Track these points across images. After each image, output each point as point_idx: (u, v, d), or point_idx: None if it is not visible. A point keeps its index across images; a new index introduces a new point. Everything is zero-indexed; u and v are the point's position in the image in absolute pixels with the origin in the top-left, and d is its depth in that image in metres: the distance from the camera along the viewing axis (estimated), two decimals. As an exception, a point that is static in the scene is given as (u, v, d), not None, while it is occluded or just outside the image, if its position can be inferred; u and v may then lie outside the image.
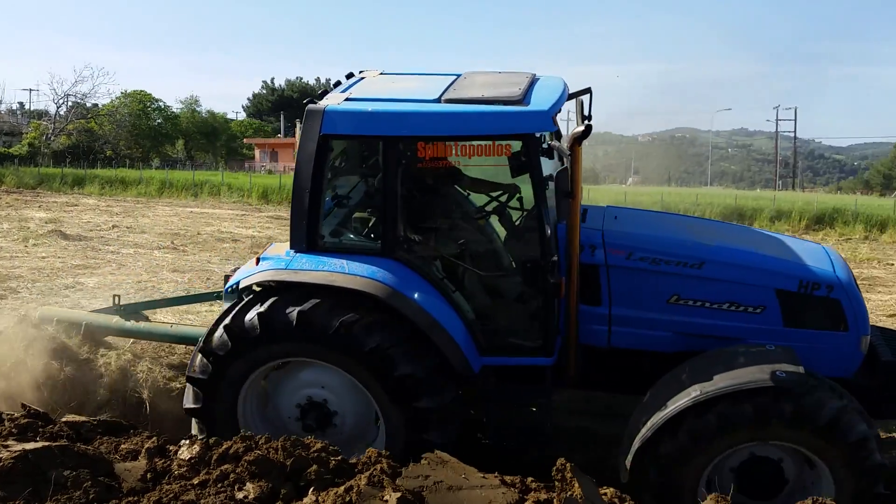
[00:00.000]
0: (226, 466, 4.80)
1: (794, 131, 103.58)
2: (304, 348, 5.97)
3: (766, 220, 32.69)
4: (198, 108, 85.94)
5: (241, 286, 6.28)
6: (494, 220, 6.94)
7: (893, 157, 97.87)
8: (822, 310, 6.11)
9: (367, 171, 6.64)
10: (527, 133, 5.81)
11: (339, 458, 4.91)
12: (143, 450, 5.21)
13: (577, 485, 4.44)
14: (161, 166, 65.92)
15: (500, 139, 5.97)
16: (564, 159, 5.85)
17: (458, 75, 6.75)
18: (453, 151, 6.20)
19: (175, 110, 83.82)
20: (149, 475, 4.91)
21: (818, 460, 5.40)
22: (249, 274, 6.24)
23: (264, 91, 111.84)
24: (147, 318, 8.56)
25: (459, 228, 6.66)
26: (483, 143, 6.04)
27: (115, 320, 8.19)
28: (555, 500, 4.42)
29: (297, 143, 6.13)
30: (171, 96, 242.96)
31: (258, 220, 30.69)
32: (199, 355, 6.09)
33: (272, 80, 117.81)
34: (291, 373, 6.26)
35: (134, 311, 8.47)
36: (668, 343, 6.29)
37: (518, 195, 6.70)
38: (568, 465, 4.50)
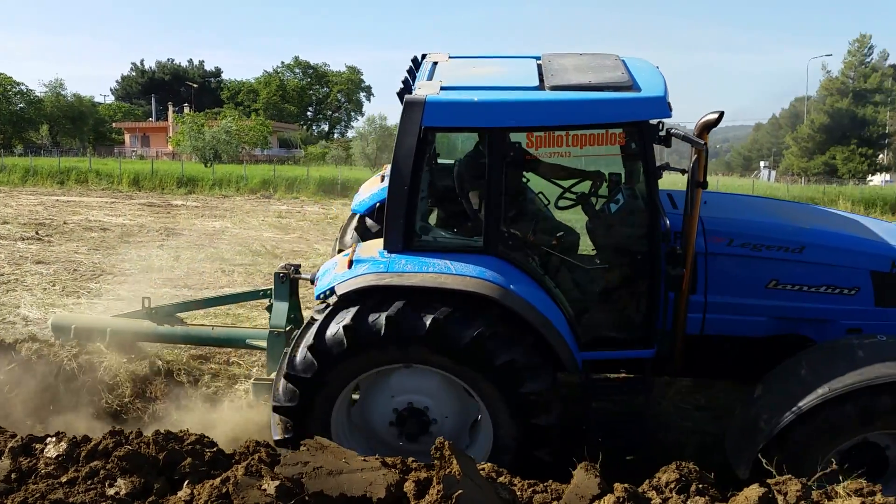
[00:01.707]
0: (95, 463, 4.65)
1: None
2: (428, 356, 5.63)
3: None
4: (63, 92, 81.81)
5: (338, 291, 5.75)
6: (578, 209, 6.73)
7: (752, 140, 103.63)
8: None
9: (460, 163, 6.37)
10: (643, 120, 5.58)
11: (215, 449, 4.83)
12: (7, 449, 4.96)
13: (455, 462, 4.51)
14: (24, 153, 62.41)
15: (615, 127, 5.76)
16: (693, 148, 5.58)
17: (537, 57, 6.47)
18: (564, 142, 5.85)
19: (38, 94, 79.53)
20: (13, 475, 4.69)
21: None
22: (346, 278, 5.75)
23: (134, 73, 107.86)
24: (182, 322, 8.08)
25: (556, 220, 6.48)
26: (596, 132, 5.82)
27: (147, 324, 7.76)
28: (434, 479, 4.47)
29: (396, 136, 5.70)
30: (34, 79, 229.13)
31: (129, 207, 29.53)
32: (307, 352, 5.67)
33: (142, 61, 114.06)
34: (380, 382, 5.92)
35: (167, 313, 7.98)
36: (762, 328, 6.28)
37: (605, 182, 6.52)
38: (447, 443, 4.55)
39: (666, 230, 5.64)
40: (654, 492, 4.69)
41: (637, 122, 5.59)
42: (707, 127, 5.61)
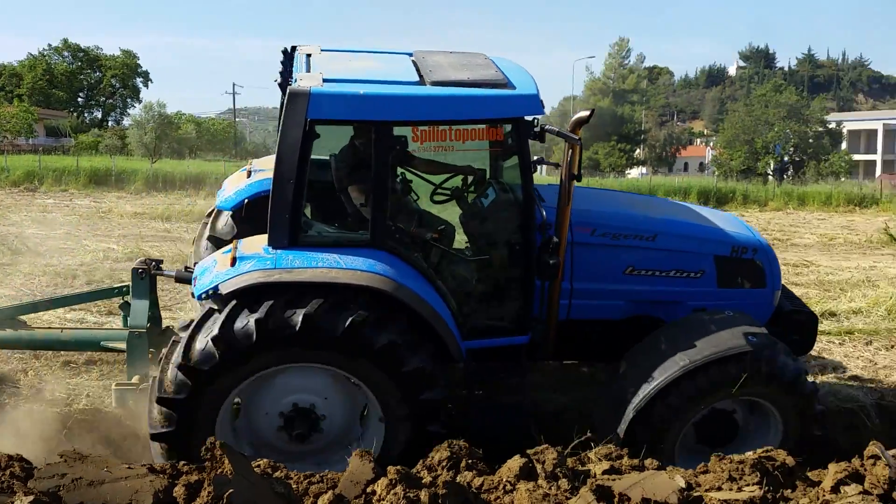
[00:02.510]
0: None
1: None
2: (305, 353, 5.56)
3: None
4: None
5: (223, 290, 5.52)
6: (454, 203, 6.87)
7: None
8: (747, 271, 6.85)
9: (337, 158, 6.32)
10: (519, 117, 5.84)
11: (-38, 468, 4.47)
12: None
13: (227, 462, 4.47)
14: None
15: (493, 123, 5.94)
16: (568, 143, 5.87)
17: (409, 54, 6.63)
18: (448, 136, 5.94)
19: None
20: None
21: (772, 408, 6.14)
22: (230, 277, 5.53)
23: None
24: (26, 324, 7.37)
25: (434, 214, 6.61)
26: (477, 127, 5.93)
27: None
28: (206, 480, 4.42)
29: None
30: None
31: None
32: (177, 372, 5.37)
33: None
34: (263, 387, 5.75)
35: (8, 316, 7.24)
36: (620, 311, 6.70)
37: (478, 177, 6.71)
38: (217, 442, 4.51)
39: (542, 222, 6.04)
40: (426, 471, 4.91)
41: (514, 118, 5.92)
42: (580, 123, 6.00)
